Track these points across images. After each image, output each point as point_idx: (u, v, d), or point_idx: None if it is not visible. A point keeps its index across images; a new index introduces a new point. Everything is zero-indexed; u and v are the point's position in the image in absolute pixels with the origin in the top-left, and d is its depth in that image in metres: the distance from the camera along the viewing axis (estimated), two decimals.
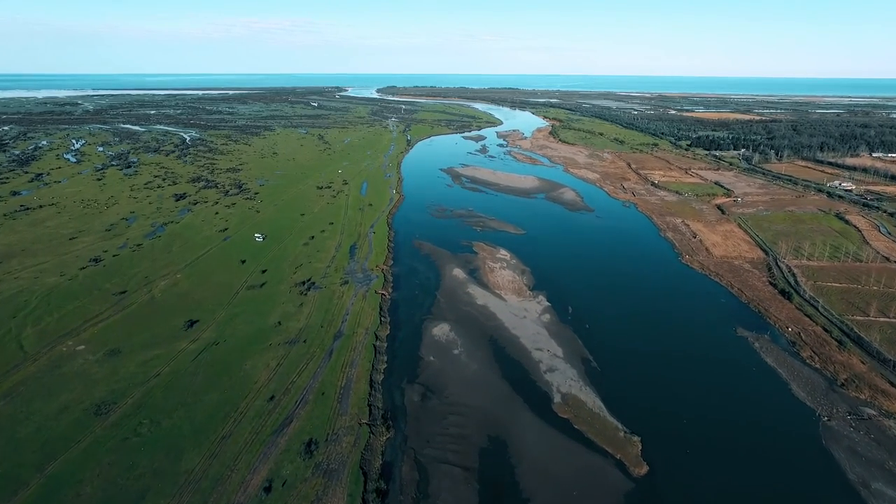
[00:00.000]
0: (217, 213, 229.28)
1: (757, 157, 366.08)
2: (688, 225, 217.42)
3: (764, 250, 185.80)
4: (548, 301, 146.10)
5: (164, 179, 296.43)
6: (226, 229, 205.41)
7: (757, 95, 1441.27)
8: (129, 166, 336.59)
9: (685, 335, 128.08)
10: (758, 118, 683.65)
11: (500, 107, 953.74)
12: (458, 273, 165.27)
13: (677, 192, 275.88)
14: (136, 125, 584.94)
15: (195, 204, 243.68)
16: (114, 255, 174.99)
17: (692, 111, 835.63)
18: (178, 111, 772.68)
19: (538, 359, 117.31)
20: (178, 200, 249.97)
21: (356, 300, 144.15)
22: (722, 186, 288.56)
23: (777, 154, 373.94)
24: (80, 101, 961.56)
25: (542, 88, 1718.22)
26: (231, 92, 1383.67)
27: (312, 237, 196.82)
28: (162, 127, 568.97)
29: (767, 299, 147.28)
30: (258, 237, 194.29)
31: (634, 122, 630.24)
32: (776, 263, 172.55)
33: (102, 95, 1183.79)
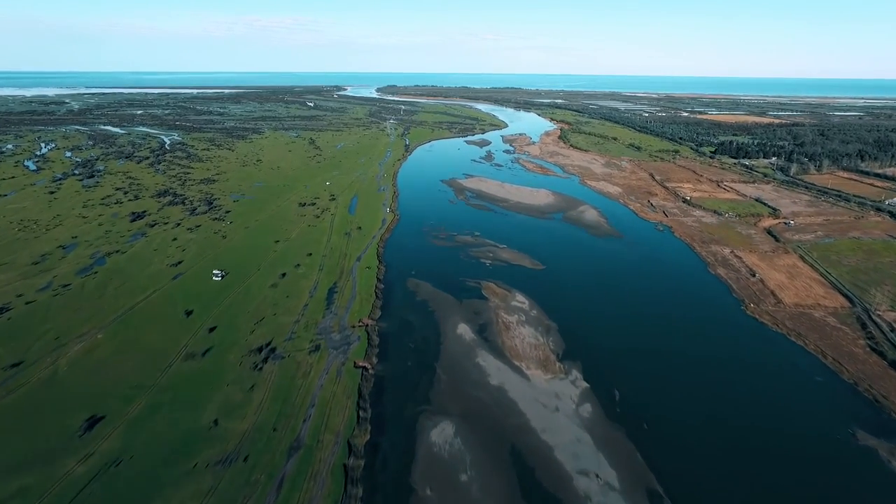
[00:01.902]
0: (175, 238, 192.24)
1: (795, 167, 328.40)
2: (740, 257, 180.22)
3: (845, 296, 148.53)
4: (584, 380, 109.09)
5: (126, 193, 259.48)
6: (179, 262, 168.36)
7: (766, 96, 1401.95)
8: (93, 176, 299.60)
9: (788, 447, 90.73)
10: (777, 121, 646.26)
11: (504, 108, 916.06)
12: (465, 331, 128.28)
13: (715, 212, 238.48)
14: (117, 127, 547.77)
15: (153, 226, 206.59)
16: (28, 303, 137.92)
17: (704, 113, 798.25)
18: (167, 111, 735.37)
19: (584, 491, 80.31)
20: (133, 221, 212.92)
21: (327, 379, 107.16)
22: (764, 204, 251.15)
23: (816, 164, 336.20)
24: (67, 100, 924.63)
25: (545, 88, 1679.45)
26: (227, 91, 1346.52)
27: (284, 275, 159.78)
28: (144, 129, 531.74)
29: (878, 377, 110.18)
30: (216, 275, 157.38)
31: (647, 125, 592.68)
32: (869, 317, 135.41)
33: (93, 94, 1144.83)
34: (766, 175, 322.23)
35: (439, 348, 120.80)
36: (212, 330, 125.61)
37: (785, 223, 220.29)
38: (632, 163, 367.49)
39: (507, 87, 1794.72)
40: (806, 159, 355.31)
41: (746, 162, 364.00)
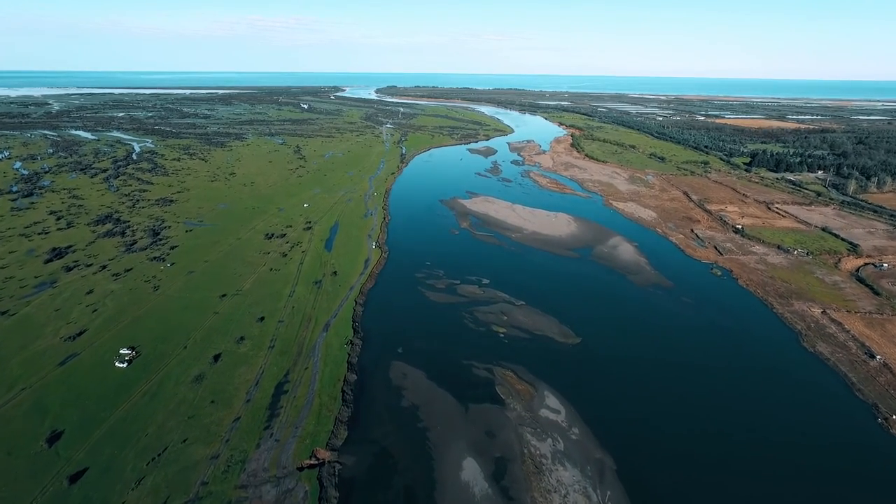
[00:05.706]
0: (91, 290, 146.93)
1: (853, 184, 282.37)
2: (839, 323, 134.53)
3: None
4: None
5: (59, 219, 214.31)
6: (80, 333, 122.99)
7: (779, 98, 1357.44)
8: (31, 194, 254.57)
9: None
10: (804, 127, 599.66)
11: (508, 110, 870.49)
12: (474, 475, 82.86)
13: (779, 247, 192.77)
14: (90, 131, 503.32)
15: (70, 269, 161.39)
16: None
17: (721, 117, 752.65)
18: (150, 114, 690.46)
19: None
20: (48, 262, 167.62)
21: None
22: (836, 236, 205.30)
23: (876, 180, 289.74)
24: (50, 101, 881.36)
25: (550, 90, 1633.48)
26: (220, 91, 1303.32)
27: (218, 357, 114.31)
28: (117, 134, 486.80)
29: None
30: (123, 357, 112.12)
31: (665, 130, 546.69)
32: None
33: (80, 95, 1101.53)
34: (819, 194, 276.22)
35: None
36: (75, 479, 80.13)
37: (874, 265, 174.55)
38: (659, 177, 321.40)
39: (510, 87, 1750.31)
40: (858, 172, 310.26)
41: (791, 177, 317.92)
